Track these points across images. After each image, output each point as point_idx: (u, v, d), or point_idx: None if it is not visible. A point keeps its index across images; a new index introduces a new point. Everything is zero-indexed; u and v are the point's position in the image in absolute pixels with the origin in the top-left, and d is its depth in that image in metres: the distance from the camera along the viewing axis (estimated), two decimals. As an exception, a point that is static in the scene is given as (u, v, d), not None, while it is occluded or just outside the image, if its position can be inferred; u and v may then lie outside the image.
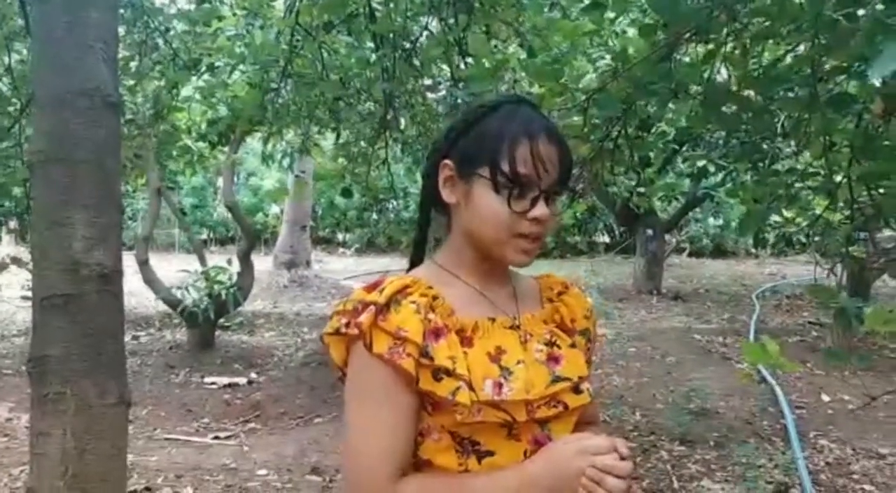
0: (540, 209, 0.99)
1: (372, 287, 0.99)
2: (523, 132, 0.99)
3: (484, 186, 0.99)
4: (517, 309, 1.07)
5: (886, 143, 2.00)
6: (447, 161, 1.04)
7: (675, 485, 3.54)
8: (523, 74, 3.62)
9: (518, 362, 0.99)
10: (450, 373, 0.94)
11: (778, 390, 5.00)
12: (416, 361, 0.94)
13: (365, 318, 0.94)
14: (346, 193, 5.30)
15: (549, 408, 1.00)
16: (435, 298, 0.99)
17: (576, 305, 1.13)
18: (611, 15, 2.57)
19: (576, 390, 1.03)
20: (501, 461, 0.97)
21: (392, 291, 0.97)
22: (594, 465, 0.90)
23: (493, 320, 1.03)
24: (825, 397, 5.09)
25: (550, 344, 1.06)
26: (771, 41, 2.38)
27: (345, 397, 0.99)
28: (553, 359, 1.04)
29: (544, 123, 1.02)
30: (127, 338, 7.01)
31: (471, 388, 0.94)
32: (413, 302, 0.96)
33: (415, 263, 1.15)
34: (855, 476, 3.69)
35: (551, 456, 0.95)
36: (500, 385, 0.96)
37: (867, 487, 3.56)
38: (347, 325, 0.96)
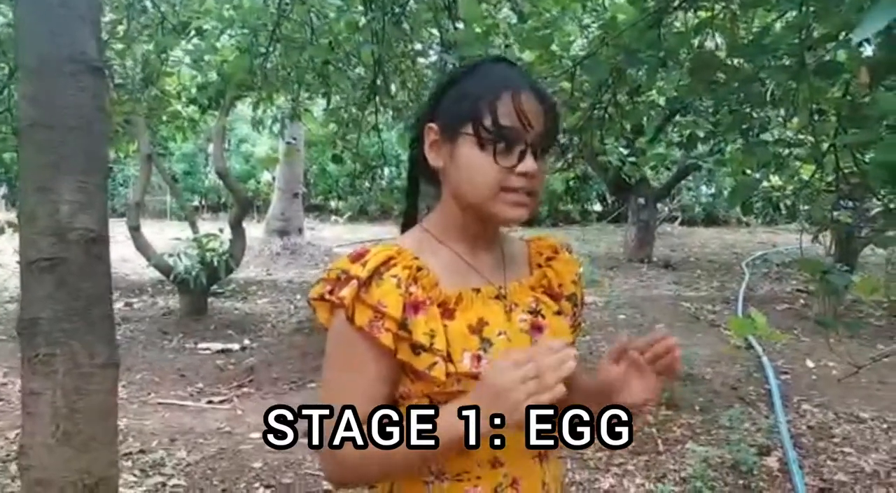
0: (528, 163, 0.97)
1: (356, 258, 0.99)
2: (504, 86, 0.98)
3: (469, 144, 0.98)
4: (504, 277, 1.07)
5: (872, 112, 2.01)
6: (431, 125, 1.03)
7: (660, 448, 3.61)
8: (514, 38, 3.59)
9: (499, 334, 1.00)
10: (426, 349, 0.95)
11: (763, 356, 5.09)
12: (395, 335, 0.95)
13: (347, 291, 0.95)
14: (337, 159, 5.27)
15: None
16: (419, 269, 0.99)
17: (564, 270, 1.14)
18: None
19: None
20: None
21: (375, 264, 0.97)
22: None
23: (478, 290, 1.03)
24: (810, 364, 5.18)
25: (535, 312, 1.06)
26: (761, 9, 2.37)
27: (324, 359, 1.01)
28: (536, 328, 1.05)
29: (526, 78, 1.02)
30: (120, 304, 7.05)
31: (449, 361, 0.96)
32: (394, 276, 0.96)
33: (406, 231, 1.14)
34: (836, 440, 3.77)
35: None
36: (478, 358, 0.97)
37: (847, 449, 3.64)
38: (331, 292, 0.98)
